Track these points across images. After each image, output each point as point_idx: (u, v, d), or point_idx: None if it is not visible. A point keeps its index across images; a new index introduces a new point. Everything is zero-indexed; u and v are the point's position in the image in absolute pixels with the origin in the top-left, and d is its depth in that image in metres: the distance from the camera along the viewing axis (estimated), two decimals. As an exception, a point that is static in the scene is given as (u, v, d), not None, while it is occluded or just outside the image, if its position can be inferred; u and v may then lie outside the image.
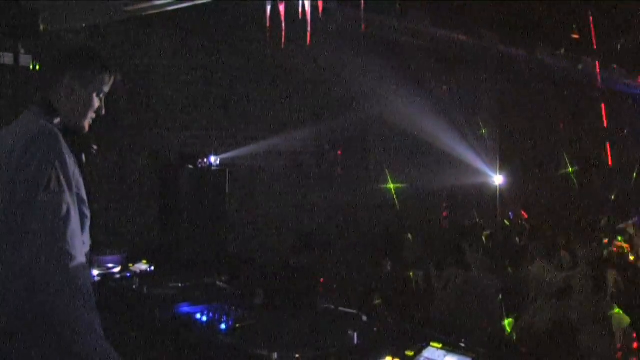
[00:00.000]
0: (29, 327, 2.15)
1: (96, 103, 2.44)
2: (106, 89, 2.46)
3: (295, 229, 8.57)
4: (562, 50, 10.67)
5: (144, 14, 6.27)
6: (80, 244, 2.23)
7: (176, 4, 5.80)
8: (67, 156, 2.23)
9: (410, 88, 9.88)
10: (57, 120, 2.34)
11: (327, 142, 9.38)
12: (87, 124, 2.45)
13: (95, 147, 2.50)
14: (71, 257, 2.15)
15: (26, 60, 5.38)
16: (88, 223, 2.36)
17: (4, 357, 2.21)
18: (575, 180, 14.03)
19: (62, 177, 2.18)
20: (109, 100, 2.51)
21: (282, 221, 8.71)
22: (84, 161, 2.44)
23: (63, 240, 2.14)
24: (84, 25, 6.38)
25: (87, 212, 2.35)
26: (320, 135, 9.21)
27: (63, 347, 2.13)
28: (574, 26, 9.30)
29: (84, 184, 2.37)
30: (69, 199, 2.18)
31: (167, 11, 6.28)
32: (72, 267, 2.13)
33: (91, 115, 2.45)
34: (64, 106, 2.38)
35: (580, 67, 11.25)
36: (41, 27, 4.88)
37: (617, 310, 4.11)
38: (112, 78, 2.47)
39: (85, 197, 2.34)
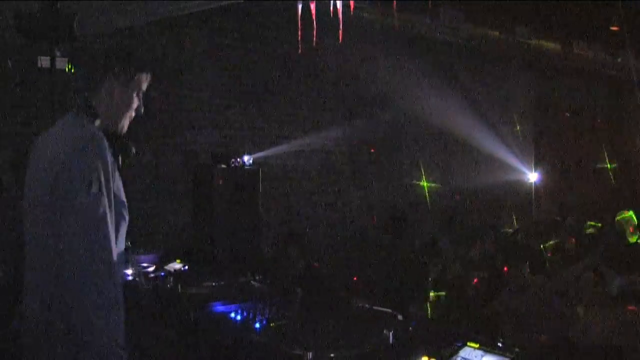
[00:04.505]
0: (59, 328, 2.19)
1: (135, 102, 2.48)
2: (144, 87, 2.51)
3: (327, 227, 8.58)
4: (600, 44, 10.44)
5: (176, 15, 6.32)
6: (113, 246, 2.26)
7: (208, 4, 5.83)
8: (109, 160, 2.28)
9: (443, 85, 9.78)
10: (97, 123, 2.39)
11: (360, 141, 9.34)
12: (126, 123, 2.50)
13: (134, 149, 2.54)
14: (103, 259, 2.20)
15: (62, 63, 5.46)
16: (125, 226, 2.41)
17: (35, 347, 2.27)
18: (613, 178, 13.73)
19: (102, 180, 2.23)
20: (143, 98, 2.54)
21: (315, 220, 8.70)
22: (122, 163, 2.49)
23: (97, 242, 2.19)
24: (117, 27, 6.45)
25: (126, 215, 2.40)
26: (353, 134, 9.18)
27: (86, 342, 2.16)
28: (613, 18, 9.08)
29: (123, 187, 2.42)
30: (106, 202, 2.23)
31: (199, 12, 6.32)
32: (104, 268, 2.18)
33: (131, 114, 2.49)
34: (105, 107, 2.42)
35: (619, 60, 11.00)
36: (76, 30, 4.94)
37: None
38: (149, 76, 2.50)
39: (124, 199, 2.39)
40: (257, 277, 3.72)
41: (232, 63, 8.05)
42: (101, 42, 6.19)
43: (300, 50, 5.82)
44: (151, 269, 3.98)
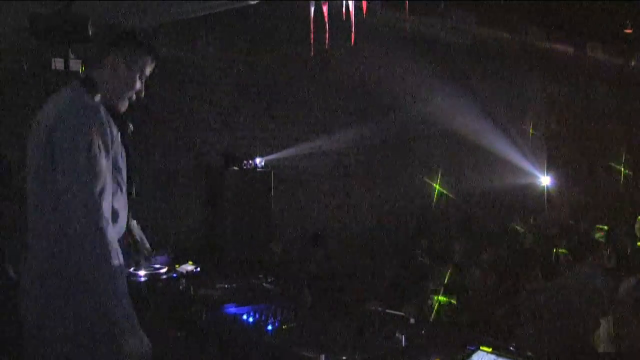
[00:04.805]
0: (60, 285, 2.23)
1: (138, 84, 2.49)
2: (148, 71, 2.53)
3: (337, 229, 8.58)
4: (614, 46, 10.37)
5: (188, 17, 6.34)
6: (109, 209, 2.28)
7: (220, 6, 5.85)
8: (106, 126, 2.30)
9: (455, 87, 9.76)
10: (97, 98, 2.40)
11: (371, 143, 9.33)
12: (126, 104, 2.51)
13: (131, 126, 2.54)
14: (105, 221, 2.22)
15: (76, 65, 5.50)
16: (124, 196, 2.44)
17: (33, 320, 2.29)
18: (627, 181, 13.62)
19: (101, 142, 2.25)
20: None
21: (327, 221, 8.70)
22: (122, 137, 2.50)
23: (99, 204, 2.21)
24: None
25: (123, 186, 2.43)
26: (365, 136, 9.17)
27: (90, 307, 2.20)
28: (627, 20, 9.02)
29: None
30: (104, 164, 2.26)
31: (211, 13, 6.34)
32: (105, 231, 2.20)
33: (131, 95, 2.50)
34: (107, 84, 2.43)
35: (633, 63, 10.93)
36: (90, 32, 4.97)
37: None
38: (155, 62, 2.52)
39: (122, 167, 2.41)
40: (269, 279, 3.72)
41: (244, 65, 8.07)
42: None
43: (312, 52, 5.83)
44: (163, 270, 3.98)
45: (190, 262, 4.20)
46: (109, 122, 2.33)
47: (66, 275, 2.22)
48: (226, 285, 3.62)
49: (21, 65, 6.31)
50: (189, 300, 3.35)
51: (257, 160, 6.64)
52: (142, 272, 3.88)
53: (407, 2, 5.87)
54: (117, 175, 2.38)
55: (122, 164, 2.42)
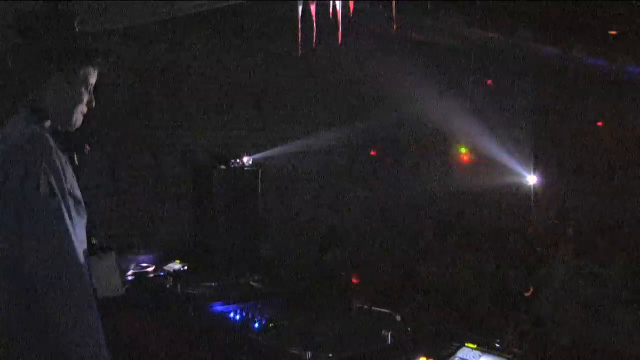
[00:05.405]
0: (26, 332, 2.09)
1: (85, 96, 2.40)
2: (93, 80, 2.42)
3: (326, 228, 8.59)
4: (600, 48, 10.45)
5: (178, 15, 6.33)
6: (77, 246, 2.18)
7: (208, 5, 5.84)
8: (57, 160, 2.19)
9: (444, 88, 9.80)
10: (47, 123, 2.32)
11: (360, 143, 9.34)
12: (79, 119, 2.41)
13: (88, 147, 2.45)
14: (66, 259, 2.13)
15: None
16: (84, 222, 2.32)
17: None
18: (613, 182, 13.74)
19: (53, 182, 2.14)
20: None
21: (315, 221, 8.71)
22: (77, 161, 2.40)
23: (57, 244, 2.12)
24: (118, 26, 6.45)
25: (84, 214, 2.31)
26: (354, 136, 9.18)
27: (61, 351, 2.06)
28: (612, 22, 9.09)
29: (79, 186, 2.31)
30: (61, 204, 2.15)
31: (201, 12, 6.32)
32: (68, 270, 2.11)
33: (82, 109, 2.41)
34: (53, 106, 2.34)
35: (619, 64, 11.02)
36: (77, 30, 4.95)
37: None
38: (96, 69, 2.42)
39: (79, 197, 2.30)
40: (256, 278, 3.73)
41: (232, 64, 8.05)
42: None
43: (300, 52, 5.83)
44: (151, 269, 3.99)
45: (178, 261, 4.20)
46: (57, 151, 2.22)
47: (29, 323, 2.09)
48: (213, 284, 3.63)
49: (6, 64, 6.27)
50: (176, 298, 3.36)
51: (245, 158, 6.62)
52: (129, 271, 3.88)
53: (394, 2, 5.89)
54: (78, 207, 2.27)
55: (78, 191, 2.30)
